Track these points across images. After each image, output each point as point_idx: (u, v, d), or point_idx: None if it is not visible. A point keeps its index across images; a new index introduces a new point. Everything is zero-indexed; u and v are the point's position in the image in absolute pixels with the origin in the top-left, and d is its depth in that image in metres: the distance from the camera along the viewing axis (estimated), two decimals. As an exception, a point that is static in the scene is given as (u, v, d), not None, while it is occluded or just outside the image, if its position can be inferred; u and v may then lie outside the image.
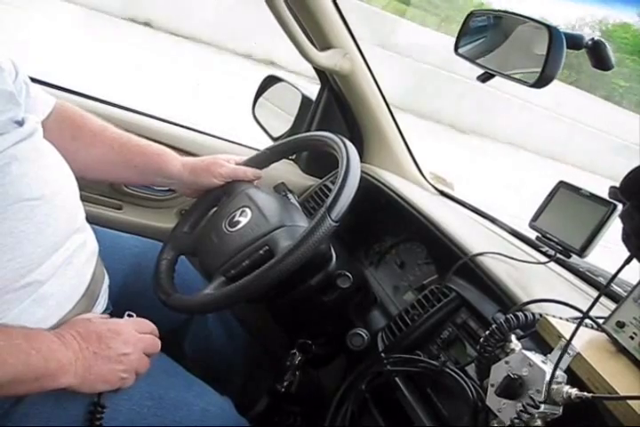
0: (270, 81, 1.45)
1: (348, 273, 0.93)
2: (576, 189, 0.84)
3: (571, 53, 0.81)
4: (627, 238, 0.54)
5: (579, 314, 0.64)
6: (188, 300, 0.85)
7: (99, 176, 1.02)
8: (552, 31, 0.81)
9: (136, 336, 0.76)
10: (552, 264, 0.93)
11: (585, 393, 0.54)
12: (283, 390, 1.00)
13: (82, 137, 0.93)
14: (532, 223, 0.89)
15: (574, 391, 0.54)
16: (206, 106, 5.00)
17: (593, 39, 0.82)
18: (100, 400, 0.72)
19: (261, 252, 0.85)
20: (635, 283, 0.63)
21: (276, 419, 1.09)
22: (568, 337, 0.56)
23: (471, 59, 0.96)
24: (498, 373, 0.60)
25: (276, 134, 1.40)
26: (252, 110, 1.45)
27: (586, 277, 0.97)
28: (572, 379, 0.56)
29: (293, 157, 1.39)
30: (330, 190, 1.18)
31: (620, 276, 0.57)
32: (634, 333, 0.60)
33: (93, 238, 0.84)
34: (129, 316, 0.80)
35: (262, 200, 0.94)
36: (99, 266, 0.84)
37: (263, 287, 0.79)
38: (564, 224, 0.85)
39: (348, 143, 0.90)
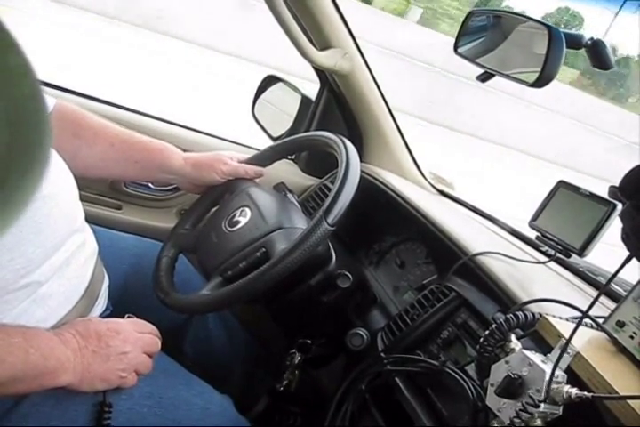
0: (270, 81, 1.45)
1: (347, 273, 0.93)
2: (576, 189, 0.84)
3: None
4: (626, 238, 0.54)
5: (579, 314, 0.64)
6: (185, 299, 0.85)
7: (100, 174, 1.01)
8: (552, 31, 0.81)
9: (135, 335, 0.76)
10: (552, 264, 0.93)
11: (585, 393, 0.54)
12: (281, 389, 1.00)
13: (83, 135, 0.93)
14: (532, 223, 0.89)
15: (574, 391, 0.54)
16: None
17: (592, 39, 0.82)
18: (106, 400, 0.72)
19: (258, 254, 0.85)
20: (634, 282, 0.63)
21: (276, 419, 1.09)
22: (568, 337, 0.56)
23: (471, 58, 0.96)
24: (498, 372, 0.60)
25: (275, 134, 1.40)
26: (251, 110, 1.45)
27: (586, 276, 0.97)
28: (572, 379, 0.56)
29: (293, 156, 1.39)
30: (329, 190, 1.18)
31: (619, 275, 0.57)
32: (634, 332, 0.60)
33: (93, 239, 0.84)
34: (129, 317, 0.80)
35: (262, 200, 0.94)
36: (98, 266, 0.84)
37: (259, 290, 0.79)
38: (563, 224, 0.84)
39: (348, 143, 0.90)
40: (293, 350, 1.01)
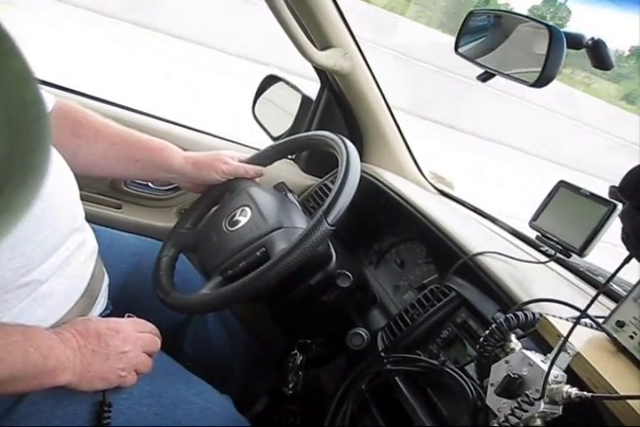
0: (270, 80, 1.45)
1: (347, 272, 0.93)
2: (576, 189, 0.84)
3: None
4: (626, 238, 0.54)
5: (578, 313, 0.64)
6: (184, 299, 0.85)
7: (101, 173, 1.02)
8: (552, 31, 0.81)
9: (135, 335, 0.76)
10: (552, 264, 0.93)
11: (585, 393, 0.53)
12: (290, 392, 1.01)
13: (84, 133, 0.93)
14: (532, 223, 0.89)
15: (574, 391, 0.54)
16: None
17: (593, 38, 0.82)
18: (106, 399, 0.72)
19: (258, 253, 0.85)
20: (634, 282, 0.63)
21: (275, 418, 1.09)
22: (566, 335, 0.56)
23: (471, 58, 0.96)
24: (498, 372, 0.60)
25: (276, 134, 1.40)
26: (251, 110, 1.45)
27: (586, 276, 0.97)
28: (572, 378, 0.56)
29: (293, 156, 1.39)
30: (330, 190, 1.18)
31: (619, 275, 0.57)
32: (633, 332, 0.60)
33: (93, 238, 0.84)
34: (129, 317, 0.80)
35: (263, 199, 0.94)
36: (98, 265, 0.84)
37: (258, 290, 0.79)
38: (564, 224, 0.84)
39: (349, 143, 0.90)
40: (295, 351, 1.01)
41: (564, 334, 0.58)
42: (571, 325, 0.59)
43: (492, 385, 0.60)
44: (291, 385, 1.01)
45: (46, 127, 0.24)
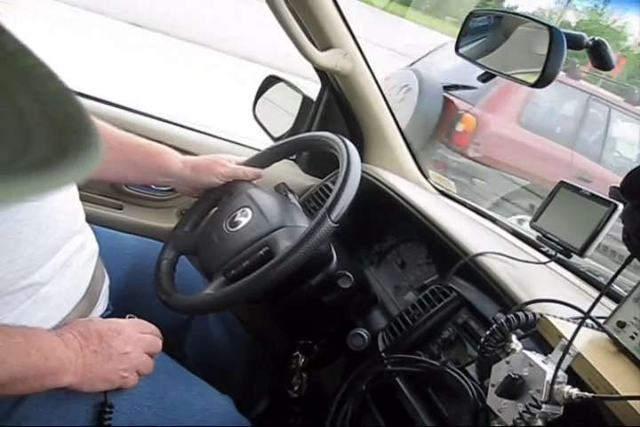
0: (271, 81, 1.45)
1: (348, 273, 0.93)
2: (577, 189, 0.84)
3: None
4: (627, 239, 0.54)
5: (579, 314, 0.64)
6: (188, 300, 0.85)
7: (99, 176, 1.01)
8: (552, 31, 0.81)
9: (137, 336, 0.76)
10: (553, 264, 0.93)
11: (586, 393, 0.54)
12: (296, 395, 1.01)
13: None
14: (533, 223, 0.89)
15: (575, 391, 0.54)
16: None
17: (594, 39, 0.82)
18: (107, 400, 0.72)
19: (261, 252, 0.85)
20: (635, 283, 0.63)
21: (276, 419, 1.09)
22: (569, 337, 0.56)
23: (472, 59, 0.96)
24: (498, 373, 0.60)
25: (276, 134, 1.40)
26: (252, 110, 1.45)
27: (586, 276, 0.97)
28: (573, 379, 0.56)
29: (294, 157, 1.39)
30: (330, 190, 1.18)
31: (620, 276, 0.57)
32: (634, 333, 0.60)
33: (93, 239, 0.84)
34: (130, 318, 0.80)
35: (263, 200, 0.94)
36: (99, 267, 0.84)
37: (263, 288, 0.79)
38: (564, 224, 0.85)
39: (349, 143, 0.91)
40: (296, 353, 1.01)
41: (565, 334, 0.58)
42: (571, 325, 0.59)
43: (492, 386, 0.60)
44: (296, 388, 1.01)
45: (83, 110, 0.27)
